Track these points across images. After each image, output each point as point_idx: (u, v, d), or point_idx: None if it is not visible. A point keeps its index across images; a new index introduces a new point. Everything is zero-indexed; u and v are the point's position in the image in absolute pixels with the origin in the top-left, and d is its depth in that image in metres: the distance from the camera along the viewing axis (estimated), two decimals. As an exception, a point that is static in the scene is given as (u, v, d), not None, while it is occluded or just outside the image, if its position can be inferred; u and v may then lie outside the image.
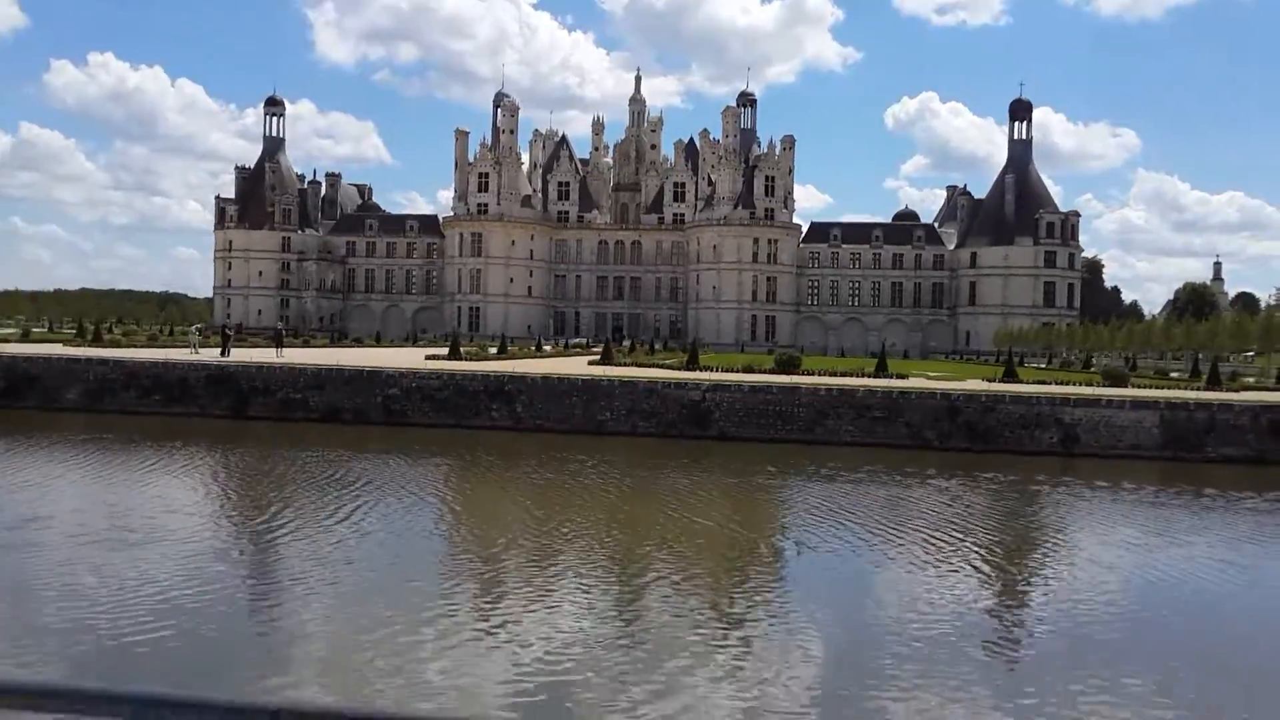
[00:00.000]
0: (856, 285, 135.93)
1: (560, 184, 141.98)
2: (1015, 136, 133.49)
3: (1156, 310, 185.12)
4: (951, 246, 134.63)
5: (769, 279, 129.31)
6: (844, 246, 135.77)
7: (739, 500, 29.18)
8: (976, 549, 22.80)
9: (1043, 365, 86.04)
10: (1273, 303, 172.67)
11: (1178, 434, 38.23)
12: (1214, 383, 47.47)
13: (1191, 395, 41.55)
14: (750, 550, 22.67)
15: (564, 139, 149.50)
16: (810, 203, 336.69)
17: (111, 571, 18.16)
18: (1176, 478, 34.49)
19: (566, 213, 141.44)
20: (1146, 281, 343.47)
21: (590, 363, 57.81)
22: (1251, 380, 55.43)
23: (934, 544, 22.94)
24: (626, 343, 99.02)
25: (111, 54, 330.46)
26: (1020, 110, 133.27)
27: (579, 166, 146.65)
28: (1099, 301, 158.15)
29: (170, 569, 18.43)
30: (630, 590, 18.46)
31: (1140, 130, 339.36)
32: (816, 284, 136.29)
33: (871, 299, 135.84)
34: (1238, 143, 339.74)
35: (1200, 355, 75.27)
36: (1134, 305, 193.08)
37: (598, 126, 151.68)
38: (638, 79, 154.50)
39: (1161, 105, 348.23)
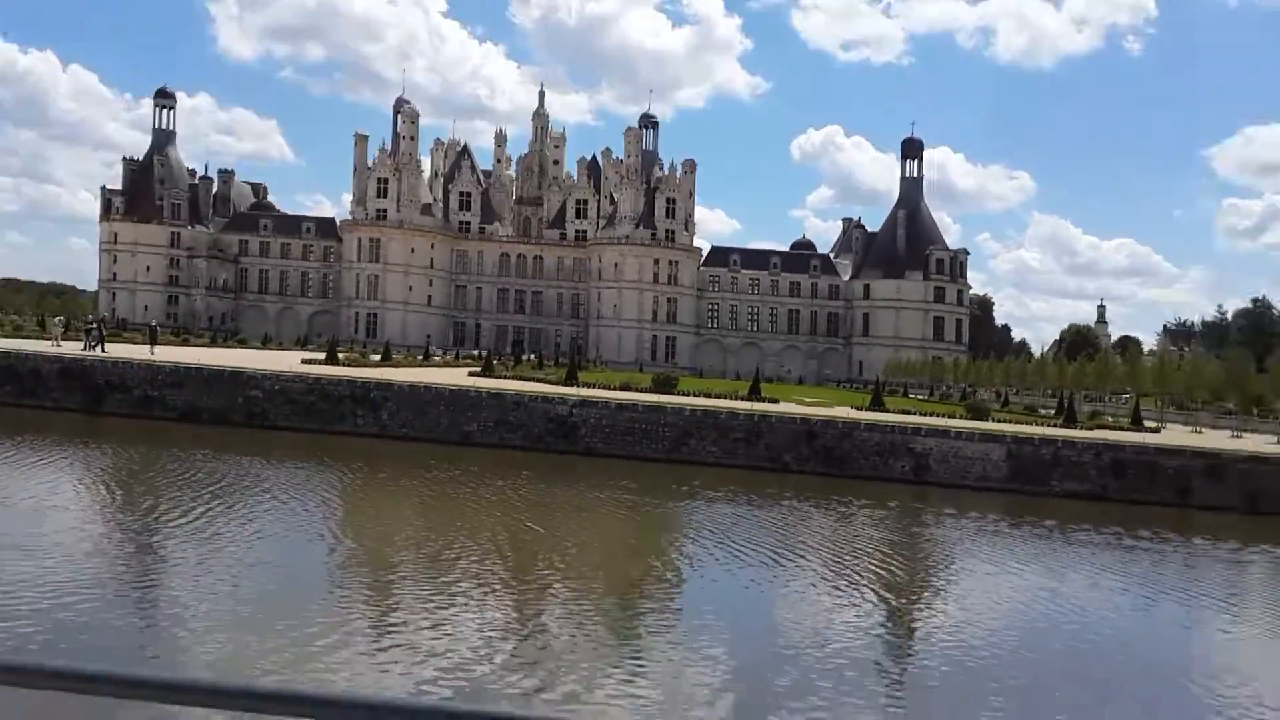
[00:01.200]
0: (755, 310, 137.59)
1: (462, 194, 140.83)
2: (907, 174, 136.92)
3: (1046, 349, 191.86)
4: (847, 277, 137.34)
5: (669, 300, 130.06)
6: (743, 272, 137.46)
7: (598, 514, 29.24)
8: (820, 571, 23.29)
9: (924, 397, 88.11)
10: (1155, 347, 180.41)
11: (1023, 467, 39.59)
12: (1070, 420, 49.19)
13: (1038, 431, 43.05)
14: (603, 565, 22.84)
15: (466, 149, 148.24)
16: (719, 226, 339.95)
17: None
18: (1020, 510, 35.63)
19: (468, 223, 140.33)
20: (1040, 321, 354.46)
21: (471, 373, 57.47)
22: (1110, 419, 57.56)
23: (781, 564, 23.53)
24: (529, 357, 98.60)
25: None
26: (911, 148, 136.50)
27: (481, 178, 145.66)
28: (989, 338, 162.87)
29: (32, 570, 17.67)
30: (488, 602, 18.32)
31: (1035, 174, 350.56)
32: (716, 307, 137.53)
33: (770, 325, 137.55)
34: (1127, 191, 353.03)
35: (1080, 394, 77.83)
36: (1023, 343, 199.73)
37: (500, 139, 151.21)
38: (541, 94, 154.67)
39: (1054, 152, 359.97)
